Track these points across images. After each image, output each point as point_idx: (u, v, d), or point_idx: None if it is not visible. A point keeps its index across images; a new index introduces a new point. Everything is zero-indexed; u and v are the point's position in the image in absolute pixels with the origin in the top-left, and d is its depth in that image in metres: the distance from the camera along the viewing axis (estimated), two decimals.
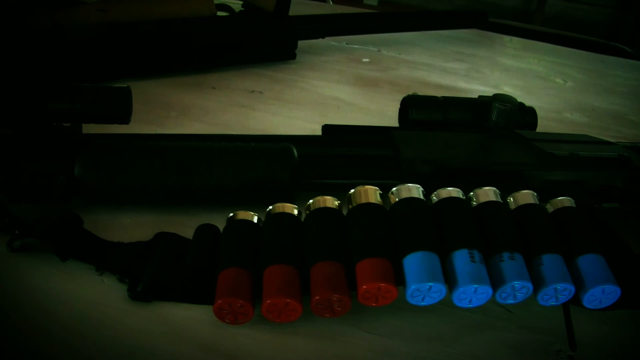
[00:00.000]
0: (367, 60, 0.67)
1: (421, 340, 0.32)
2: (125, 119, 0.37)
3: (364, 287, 0.30)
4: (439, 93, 0.60)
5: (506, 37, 0.80)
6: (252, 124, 0.51)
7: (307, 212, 0.34)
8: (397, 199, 0.33)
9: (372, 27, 0.67)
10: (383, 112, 0.55)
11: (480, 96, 0.50)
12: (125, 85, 0.37)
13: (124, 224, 0.38)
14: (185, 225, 0.37)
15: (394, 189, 0.34)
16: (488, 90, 0.63)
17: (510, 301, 0.31)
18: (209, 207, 0.39)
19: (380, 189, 0.34)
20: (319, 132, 0.49)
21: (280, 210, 0.34)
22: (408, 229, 0.31)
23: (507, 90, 0.63)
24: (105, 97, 0.36)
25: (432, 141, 0.42)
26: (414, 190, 0.33)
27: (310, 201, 0.34)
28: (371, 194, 0.33)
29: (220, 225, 0.35)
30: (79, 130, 0.38)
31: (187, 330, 0.31)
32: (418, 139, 0.42)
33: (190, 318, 0.31)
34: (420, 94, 0.59)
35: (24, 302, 0.32)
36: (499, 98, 0.44)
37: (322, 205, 0.34)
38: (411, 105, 0.47)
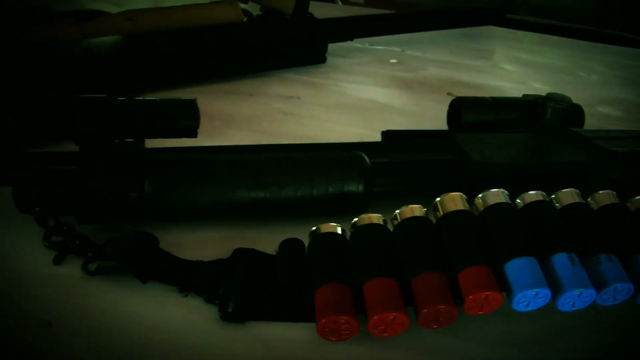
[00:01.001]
0: (394, 61, 0.67)
1: (518, 346, 0.32)
2: (194, 132, 0.36)
3: (471, 297, 0.29)
4: (471, 92, 0.60)
5: (520, 32, 0.81)
6: (299, 130, 0.50)
7: (395, 222, 0.34)
8: (485, 205, 0.33)
9: (397, 27, 0.67)
10: (423, 114, 0.55)
11: (524, 95, 0.50)
12: (192, 98, 0.36)
13: (193, 241, 0.37)
14: (257, 240, 0.37)
15: (480, 195, 0.33)
16: (517, 87, 0.63)
17: (609, 303, 0.31)
18: (281, 220, 0.38)
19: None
20: (366, 137, 0.48)
21: (368, 221, 0.33)
22: (506, 235, 0.31)
23: (536, 86, 0.64)
24: (174, 110, 0.35)
25: (496, 143, 0.42)
26: (502, 195, 0.33)
27: (397, 211, 0.34)
28: (459, 201, 0.33)
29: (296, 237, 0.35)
30: (142, 145, 0.37)
31: (287, 351, 0.30)
32: (482, 142, 0.42)
33: (288, 337, 0.31)
34: (456, 94, 0.60)
35: (108, 328, 0.31)
36: (553, 97, 0.45)
37: (410, 214, 0.33)
38: (463, 107, 0.46)
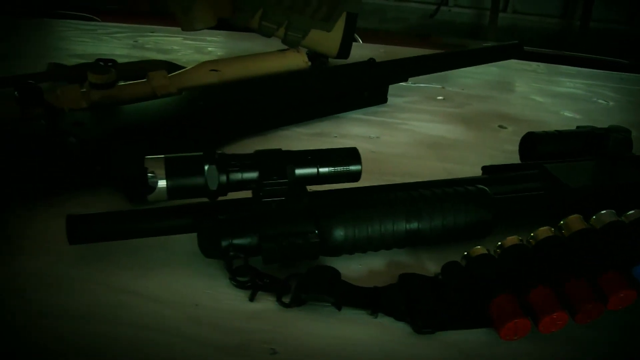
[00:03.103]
0: (440, 97, 0.78)
1: None
2: (359, 176, 0.45)
3: (614, 295, 0.40)
4: (517, 124, 0.72)
5: (532, 64, 0.94)
6: (396, 168, 0.59)
7: (532, 242, 0.44)
8: (601, 224, 0.44)
9: (440, 66, 0.78)
10: (490, 146, 0.66)
11: (578, 126, 0.62)
12: (352, 147, 0.46)
13: (357, 270, 0.46)
14: (406, 265, 0.46)
15: (596, 215, 0.44)
16: (553, 117, 0.75)
17: None
18: (423, 248, 0.47)
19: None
20: (454, 170, 0.59)
21: (512, 242, 0.43)
22: (629, 245, 0.42)
23: (568, 115, 0.76)
24: (345, 158, 0.44)
25: (581, 170, 0.53)
26: (614, 214, 0.44)
27: (532, 234, 0.44)
28: (581, 221, 0.44)
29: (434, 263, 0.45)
30: (306, 190, 0.45)
31: (476, 351, 0.39)
32: (570, 170, 0.53)
33: (473, 340, 0.40)
34: (506, 126, 0.71)
35: (324, 349, 0.39)
36: (614, 129, 0.57)
37: (544, 235, 0.44)
38: (537, 141, 0.58)
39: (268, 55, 0.71)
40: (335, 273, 0.43)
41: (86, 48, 0.88)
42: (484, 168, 0.55)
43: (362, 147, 0.64)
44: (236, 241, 0.43)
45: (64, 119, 0.54)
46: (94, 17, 1.05)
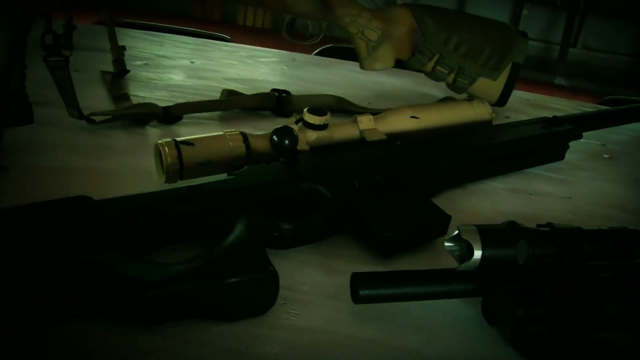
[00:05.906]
0: (607, 156, 0.83)
1: None
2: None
3: None
4: None
5: None
6: None
7: None
8: None
9: (606, 122, 0.82)
10: None
11: None
12: (637, 229, 0.50)
13: None
14: None
15: None
16: None
17: None
18: None
19: None
20: None
21: None
22: None
23: None
24: (635, 243, 0.48)
25: None
26: None
27: None
28: None
29: None
30: None
31: None
32: None
33: None
34: None
35: None
36: None
37: None
38: None
39: (458, 105, 0.74)
40: None
41: (238, 72, 0.92)
42: None
43: (562, 209, 0.68)
44: (529, 312, 0.46)
45: (302, 163, 0.58)
46: (228, 37, 1.08)
